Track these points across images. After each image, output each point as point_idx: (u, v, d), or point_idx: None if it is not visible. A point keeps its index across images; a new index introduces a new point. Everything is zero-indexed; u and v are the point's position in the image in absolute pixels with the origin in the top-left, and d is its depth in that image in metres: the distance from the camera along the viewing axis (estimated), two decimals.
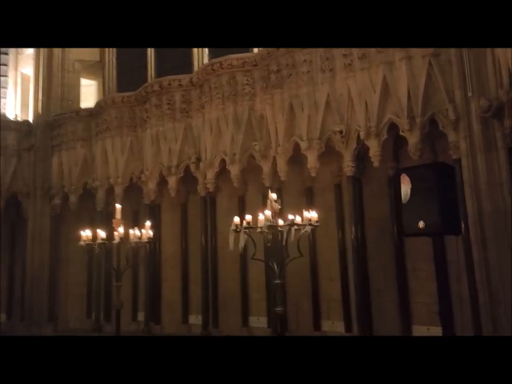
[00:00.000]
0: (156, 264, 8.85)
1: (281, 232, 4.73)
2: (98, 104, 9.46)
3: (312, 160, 6.64)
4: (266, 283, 7.42)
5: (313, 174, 6.70)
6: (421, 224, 4.95)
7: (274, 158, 7.12)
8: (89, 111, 9.82)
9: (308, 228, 4.73)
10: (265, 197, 7.60)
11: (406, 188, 5.28)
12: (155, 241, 8.83)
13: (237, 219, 4.86)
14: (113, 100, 9.15)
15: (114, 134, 9.04)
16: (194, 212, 8.60)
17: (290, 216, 4.65)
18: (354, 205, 6.54)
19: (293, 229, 4.60)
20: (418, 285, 6.45)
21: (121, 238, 6.10)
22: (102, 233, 6.08)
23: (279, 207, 4.93)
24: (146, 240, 6.25)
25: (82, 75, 11.48)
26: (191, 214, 8.86)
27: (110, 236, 6.31)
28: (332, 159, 7.23)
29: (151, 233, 6.36)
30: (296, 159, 7.17)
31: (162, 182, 8.47)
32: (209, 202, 8.30)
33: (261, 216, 5.22)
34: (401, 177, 5.44)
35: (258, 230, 5.09)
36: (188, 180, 8.50)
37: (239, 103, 7.52)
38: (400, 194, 6.59)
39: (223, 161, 7.64)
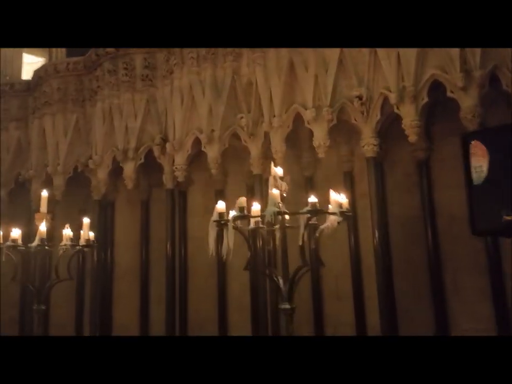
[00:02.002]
0: (107, 278, 6.80)
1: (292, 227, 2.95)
2: (36, 74, 7.39)
3: (320, 135, 4.88)
4: (252, 303, 5.54)
5: (321, 155, 4.93)
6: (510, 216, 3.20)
7: (266, 135, 5.32)
8: (26, 84, 7.75)
9: (338, 218, 2.94)
10: (251, 190, 5.85)
11: (480, 162, 3.55)
12: (106, 248, 6.88)
13: (221, 205, 3.01)
14: (56, 68, 7.12)
15: (56, 110, 6.99)
16: (159, 210, 6.65)
17: (312, 199, 2.84)
18: (377, 198, 4.79)
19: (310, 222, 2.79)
20: (463, 305, 4.75)
21: (45, 241, 4.10)
22: (15, 232, 4.06)
23: (287, 187, 3.13)
24: (84, 244, 4.28)
25: (25, 50, 9.40)
26: (154, 214, 6.90)
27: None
28: (340, 139, 5.50)
29: (91, 235, 4.40)
30: (292, 139, 5.40)
31: (117, 171, 6.49)
32: (178, 198, 6.39)
33: (255, 206, 3.42)
34: (471, 145, 3.70)
35: (252, 226, 3.29)
36: (151, 168, 6.57)
37: (219, 65, 5.70)
38: (429, 184, 4.94)
39: (197, 142, 5.77)
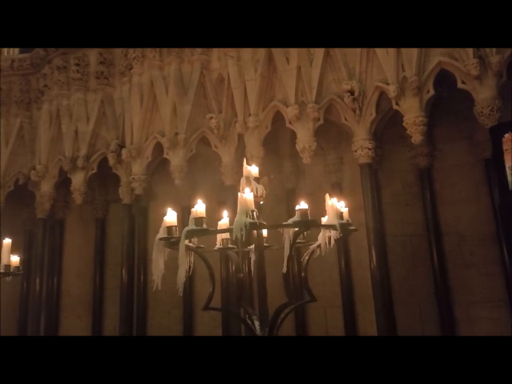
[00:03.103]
0: (52, 310, 5.72)
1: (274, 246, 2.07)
2: None
3: (305, 136, 4.06)
4: None
5: (306, 160, 4.10)
6: None
7: (240, 138, 4.48)
8: None
9: (335, 234, 2.08)
10: (222, 203, 4.94)
11: None
12: (52, 275, 5.83)
13: (171, 217, 2.10)
14: None
15: None
16: (117, 230, 5.67)
17: (301, 205, 1.97)
18: (373, 213, 3.95)
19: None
20: None
21: None
22: None
23: (264, 192, 2.27)
24: (3, 272, 3.27)
25: None
26: (111, 234, 5.91)
27: None
28: (327, 144, 4.71)
29: (15, 259, 3.40)
30: (271, 143, 4.58)
31: (66, 183, 5.51)
32: (137, 215, 5.43)
33: (224, 219, 2.57)
34: (504, 140, 2.91)
35: (218, 246, 2.44)
36: (107, 180, 5.64)
37: (185, 59, 4.88)
38: (433, 197, 4.19)
39: (158, 147, 4.88)
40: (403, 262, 4.17)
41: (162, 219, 5.54)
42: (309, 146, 4.03)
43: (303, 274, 2.39)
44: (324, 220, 2.31)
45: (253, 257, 2.56)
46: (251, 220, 1.86)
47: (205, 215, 2.01)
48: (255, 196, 2.26)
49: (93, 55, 5.48)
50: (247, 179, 2.34)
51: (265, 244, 2.63)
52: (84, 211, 5.94)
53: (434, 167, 4.37)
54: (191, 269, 2.37)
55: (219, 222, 2.67)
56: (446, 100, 4.06)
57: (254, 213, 1.91)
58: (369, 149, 4.01)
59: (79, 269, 5.95)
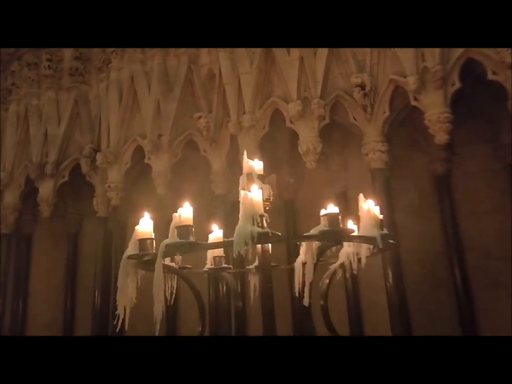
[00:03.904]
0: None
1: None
2: None
3: (309, 136, 3.52)
4: None
5: (310, 165, 3.54)
6: None
7: (233, 140, 3.91)
8: None
9: (369, 250, 1.52)
10: (213, 216, 4.31)
11: None
12: (17, 298, 5.12)
13: (145, 225, 1.50)
14: None
15: None
16: (91, 246, 5.00)
17: (330, 209, 1.40)
18: (387, 224, 3.37)
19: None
20: None
21: None
22: None
23: (272, 193, 1.69)
24: None
25: None
26: (85, 251, 5.23)
27: None
28: (330, 149, 4.16)
29: None
30: (268, 148, 4.02)
31: (34, 193, 4.85)
32: (114, 229, 4.78)
33: (215, 233, 1.99)
34: None
35: (209, 266, 1.87)
36: (81, 190, 4.99)
37: (171, 52, 4.31)
38: (453, 208, 3.67)
39: (139, 151, 4.28)
40: (421, 283, 3.59)
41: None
42: (314, 148, 3.47)
43: (322, 302, 1.80)
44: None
45: (253, 280, 1.97)
46: (260, 229, 1.27)
47: (192, 223, 1.41)
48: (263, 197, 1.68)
49: (67, 49, 4.90)
50: (248, 177, 1.76)
51: (272, 263, 2.04)
52: (54, 226, 5.25)
53: (453, 173, 3.85)
54: (174, 295, 1.77)
55: (209, 237, 2.08)
56: (468, 97, 3.56)
57: (264, 219, 1.32)
58: (382, 152, 3.47)
59: (47, 291, 5.23)
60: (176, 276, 1.76)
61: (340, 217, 1.48)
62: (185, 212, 1.43)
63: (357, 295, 3.86)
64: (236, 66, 3.91)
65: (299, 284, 1.73)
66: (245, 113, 3.74)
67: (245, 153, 1.86)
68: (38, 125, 4.79)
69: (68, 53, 4.90)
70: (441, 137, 3.12)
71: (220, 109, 4.00)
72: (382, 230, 1.59)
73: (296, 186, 4.29)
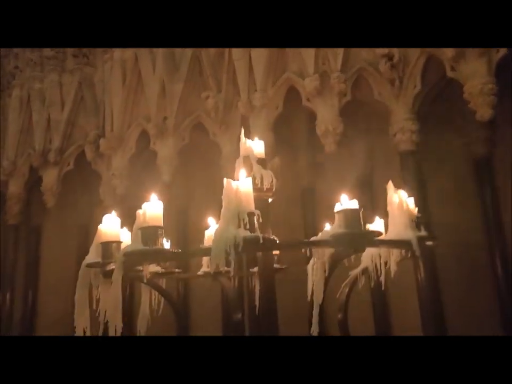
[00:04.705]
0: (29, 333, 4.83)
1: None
2: None
3: (328, 116, 3.11)
4: None
5: (330, 148, 3.14)
6: None
7: (244, 122, 3.54)
8: None
9: (399, 255, 1.15)
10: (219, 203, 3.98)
11: None
12: (25, 293, 4.94)
13: (109, 227, 1.18)
14: None
15: None
16: None
17: (349, 203, 1.02)
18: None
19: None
20: None
21: None
22: None
23: (275, 181, 1.32)
24: None
25: None
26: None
27: None
28: (353, 131, 3.73)
29: None
30: (283, 130, 3.64)
31: (39, 183, 4.62)
32: (124, 220, 4.50)
33: (210, 230, 1.65)
34: None
35: (204, 270, 1.53)
36: (90, 178, 4.73)
37: None
38: (494, 196, 3.22)
39: (144, 136, 3.96)
40: (458, 280, 3.17)
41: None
42: (334, 129, 3.07)
43: (339, 316, 1.44)
44: (373, 228, 1.37)
45: (257, 285, 1.62)
46: (247, 233, 0.91)
47: (161, 222, 1.06)
48: (258, 189, 1.32)
49: None
50: (245, 161, 1.40)
51: (276, 265, 1.69)
52: (64, 216, 5.03)
53: (495, 156, 3.38)
54: (161, 307, 1.44)
55: (206, 233, 1.74)
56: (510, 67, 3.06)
57: (255, 219, 0.96)
58: (412, 131, 3.04)
59: (58, 285, 5.04)
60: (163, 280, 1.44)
61: (361, 213, 1.11)
62: (151, 208, 1.09)
63: (383, 294, 3.47)
64: None
65: (311, 295, 1.37)
66: (256, 91, 3.36)
67: (242, 131, 1.49)
68: (40, 110, 4.53)
69: None
70: (484, 112, 2.66)
71: (230, 87, 3.62)
72: (419, 231, 1.21)
73: (314, 173, 3.90)
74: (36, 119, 4.52)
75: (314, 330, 1.14)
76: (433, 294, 2.84)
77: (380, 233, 1.15)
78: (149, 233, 1.02)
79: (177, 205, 4.34)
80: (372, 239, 1.12)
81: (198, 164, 4.07)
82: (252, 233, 0.92)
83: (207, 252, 0.93)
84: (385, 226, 1.58)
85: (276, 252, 1.87)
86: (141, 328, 1.41)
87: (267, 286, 1.35)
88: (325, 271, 1.14)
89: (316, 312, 1.14)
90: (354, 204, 1.07)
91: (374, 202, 3.61)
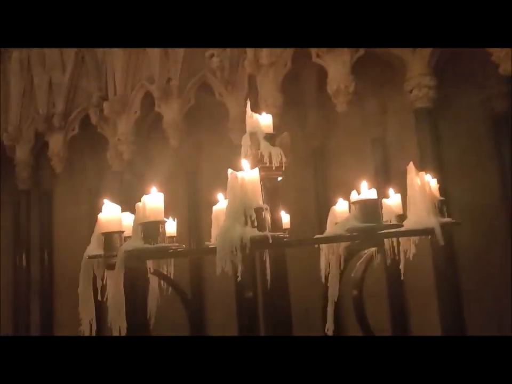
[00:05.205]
0: (46, 295, 4.97)
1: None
2: None
3: (340, 73, 2.95)
4: None
5: (341, 108, 3.00)
6: None
7: (251, 81, 3.39)
8: None
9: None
10: (235, 169, 3.87)
11: None
12: (41, 255, 5.04)
13: (111, 215, 1.11)
14: None
15: None
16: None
17: (368, 192, 0.94)
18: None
19: None
20: None
21: None
22: None
23: (285, 159, 1.23)
24: None
25: None
26: None
27: None
28: (365, 88, 3.56)
29: None
30: (292, 88, 3.47)
31: (47, 148, 4.57)
32: (132, 183, 4.48)
33: (218, 205, 1.59)
34: None
35: (209, 244, 1.47)
36: (98, 142, 4.66)
37: None
38: None
39: (149, 98, 3.84)
40: (473, 242, 3.10)
41: (161, 189, 4.56)
42: (345, 87, 2.92)
43: (355, 292, 1.38)
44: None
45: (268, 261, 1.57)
46: (255, 231, 0.84)
47: (163, 217, 1.00)
48: (268, 168, 1.24)
49: None
50: (252, 137, 1.31)
51: (282, 235, 1.64)
52: (74, 181, 5.03)
53: None
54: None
55: (213, 208, 1.68)
56: None
57: (263, 213, 0.89)
58: (429, 88, 2.88)
59: (72, 247, 5.10)
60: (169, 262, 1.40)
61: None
62: (152, 201, 1.02)
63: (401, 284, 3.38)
64: None
65: (326, 271, 1.31)
66: (261, 50, 3.17)
67: (248, 103, 1.39)
68: (41, 73, 4.39)
69: None
70: (507, 65, 2.48)
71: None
72: (443, 216, 1.12)
73: (325, 132, 3.77)
74: (37, 82, 4.40)
75: (329, 329, 1.10)
76: (450, 268, 2.79)
77: (400, 226, 1.06)
78: (149, 229, 0.96)
79: (187, 166, 4.28)
80: (391, 232, 1.04)
81: (205, 125, 3.96)
82: (260, 232, 0.85)
83: (212, 251, 0.87)
84: (402, 203, 1.50)
85: (287, 227, 1.82)
86: (151, 308, 1.39)
87: (278, 263, 1.31)
88: (340, 265, 1.07)
89: (330, 309, 1.08)
90: (372, 194, 0.98)
91: (387, 164, 3.51)
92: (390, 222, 1.48)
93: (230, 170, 0.94)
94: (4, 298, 5.21)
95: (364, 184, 1.03)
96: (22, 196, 4.88)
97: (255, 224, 0.85)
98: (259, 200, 0.89)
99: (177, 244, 0.97)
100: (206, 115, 3.94)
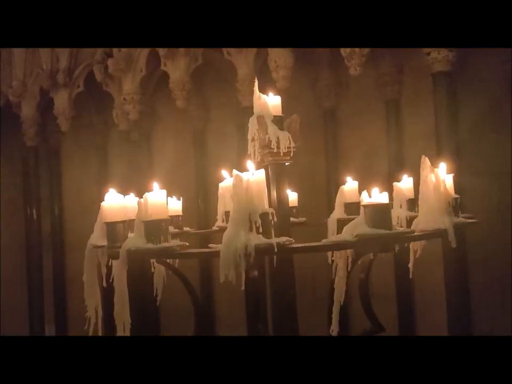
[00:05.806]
0: (57, 255, 5.08)
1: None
2: None
3: None
4: None
5: (354, 71, 2.88)
6: None
7: None
8: None
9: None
10: (241, 126, 3.67)
11: None
12: (52, 212, 5.12)
13: (114, 203, 1.08)
14: None
15: None
16: (121, 157, 4.73)
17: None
18: (449, 141, 2.80)
19: None
20: None
21: None
22: None
23: (293, 144, 1.18)
24: None
25: None
26: (114, 162, 4.98)
27: None
28: (381, 48, 3.38)
29: None
30: (302, 51, 3.30)
31: (53, 104, 4.49)
32: (139, 144, 4.44)
33: (225, 182, 1.56)
34: None
35: (218, 224, 1.47)
36: (105, 99, 4.56)
37: None
38: None
39: (155, 56, 3.70)
40: (483, 212, 3.05)
41: (168, 148, 4.48)
42: (360, 49, 2.77)
43: (362, 276, 1.36)
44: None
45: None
46: (260, 238, 0.81)
47: (166, 214, 0.97)
48: (275, 153, 1.20)
49: None
50: (260, 121, 1.25)
51: (292, 219, 1.62)
52: (81, 137, 4.99)
53: None
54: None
55: (220, 185, 1.65)
56: None
57: (270, 216, 0.85)
58: (450, 49, 2.72)
59: (81, 204, 5.17)
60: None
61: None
62: (154, 199, 0.97)
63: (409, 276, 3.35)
64: None
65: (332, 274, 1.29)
66: None
67: (256, 82, 1.31)
68: None
69: None
70: None
71: None
72: (457, 216, 1.07)
73: (337, 93, 3.64)
74: None
75: (334, 330, 1.09)
76: (459, 255, 2.76)
77: (412, 232, 1.02)
78: (152, 228, 0.93)
79: (195, 125, 4.21)
80: (403, 239, 1.00)
81: (213, 84, 3.83)
82: (266, 240, 0.82)
83: (216, 254, 0.85)
84: (414, 187, 1.45)
85: (294, 204, 1.79)
86: (158, 286, 1.39)
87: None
88: (347, 267, 1.04)
89: (336, 310, 1.07)
90: (384, 198, 0.93)
91: (401, 130, 3.40)
92: (401, 206, 1.44)
93: (234, 171, 0.90)
94: (17, 249, 5.36)
95: (376, 191, 0.97)
96: (30, 152, 4.87)
97: (260, 230, 0.82)
98: (264, 203, 0.85)
99: (181, 243, 0.95)
100: (214, 75, 3.81)
